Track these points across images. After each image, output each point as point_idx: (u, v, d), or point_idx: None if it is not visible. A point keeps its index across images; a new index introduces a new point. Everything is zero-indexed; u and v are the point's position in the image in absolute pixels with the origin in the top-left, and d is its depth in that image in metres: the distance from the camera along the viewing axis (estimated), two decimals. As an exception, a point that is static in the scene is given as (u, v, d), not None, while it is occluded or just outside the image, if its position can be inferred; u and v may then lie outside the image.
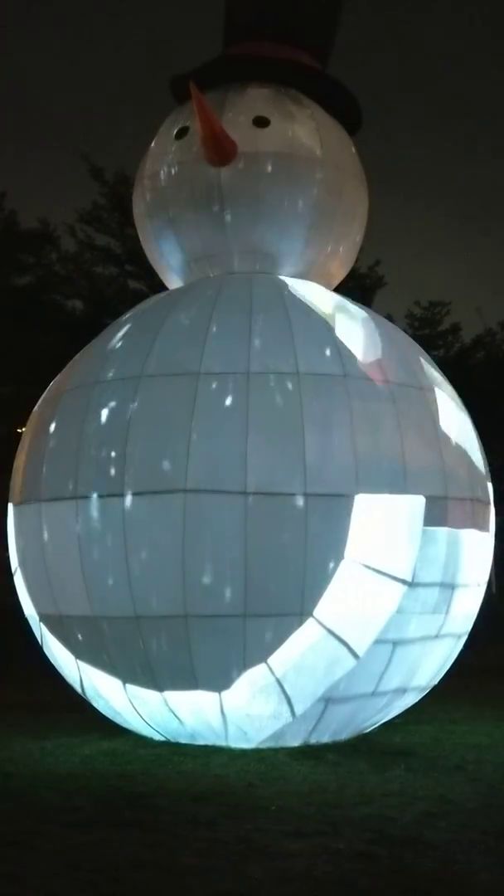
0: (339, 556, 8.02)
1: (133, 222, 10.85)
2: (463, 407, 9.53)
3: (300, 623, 7.97)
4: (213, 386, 8.29)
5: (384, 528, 8.17)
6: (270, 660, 8.00)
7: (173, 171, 9.67)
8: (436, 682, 9.49)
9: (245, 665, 8.00)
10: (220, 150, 9.19)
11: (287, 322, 8.73)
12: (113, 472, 8.26)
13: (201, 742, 8.50)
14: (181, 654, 8.08)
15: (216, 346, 8.53)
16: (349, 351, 8.69)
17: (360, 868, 5.18)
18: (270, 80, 9.87)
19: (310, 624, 7.98)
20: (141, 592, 8.10)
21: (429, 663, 8.92)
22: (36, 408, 9.78)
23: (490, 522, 9.55)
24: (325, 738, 8.58)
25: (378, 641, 8.22)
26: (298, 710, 8.21)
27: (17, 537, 9.40)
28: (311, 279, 9.74)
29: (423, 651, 8.67)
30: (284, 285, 9.31)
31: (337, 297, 9.68)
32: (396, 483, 8.28)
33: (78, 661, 8.86)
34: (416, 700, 9.40)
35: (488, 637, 13.48)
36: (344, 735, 8.76)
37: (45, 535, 8.75)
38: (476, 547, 9.08)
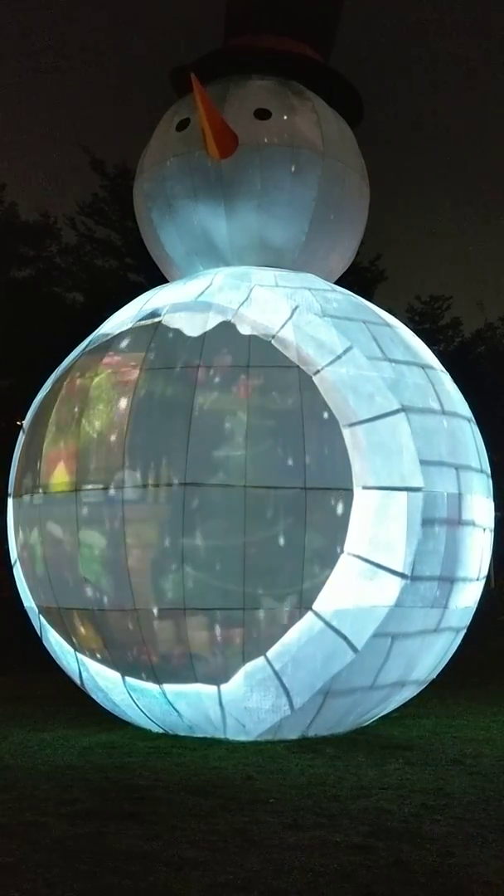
0: (338, 550, 8.02)
1: (134, 215, 10.84)
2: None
3: (299, 616, 7.97)
4: (213, 379, 8.28)
5: (383, 522, 8.17)
6: (269, 653, 8.01)
7: (174, 164, 9.64)
8: (434, 675, 9.50)
9: (244, 658, 8.01)
10: (221, 143, 9.17)
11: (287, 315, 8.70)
12: (112, 464, 8.26)
13: (200, 735, 8.52)
14: (180, 647, 8.09)
15: (216, 338, 8.52)
16: (349, 344, 8.68)
17: (358, 860, 5.20)
18: (272, 73, 9.85)
19: (309, 617, 7.99)
20: (140, 585, 8.10)
21: (427, 657, 8.93)
22: (35, 401, 9.78)
23: (490, 517, 9.56)
24: (324, 732, 8.59)
25: (377, 635, 8.23)
26: (297, 703, 8.22)
27: (17, 530, 9.40)
28: (311, 272, 9.73)
29: (421, 645, 8.68)
30: (284, 278, 9.29)
31: (340, 290, 9.67)
32: (398, 477, 8.28)
33: (77, 653, 8.88)
34: (415, 694, 9.42)
35: (487, 631, 13.50)
36: (342, 728, 8.77)
37: (45, 528, 8.75)
38: (475, 541, 9.08)
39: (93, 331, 9.82)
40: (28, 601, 9.47)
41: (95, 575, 8.33)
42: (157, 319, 8.94)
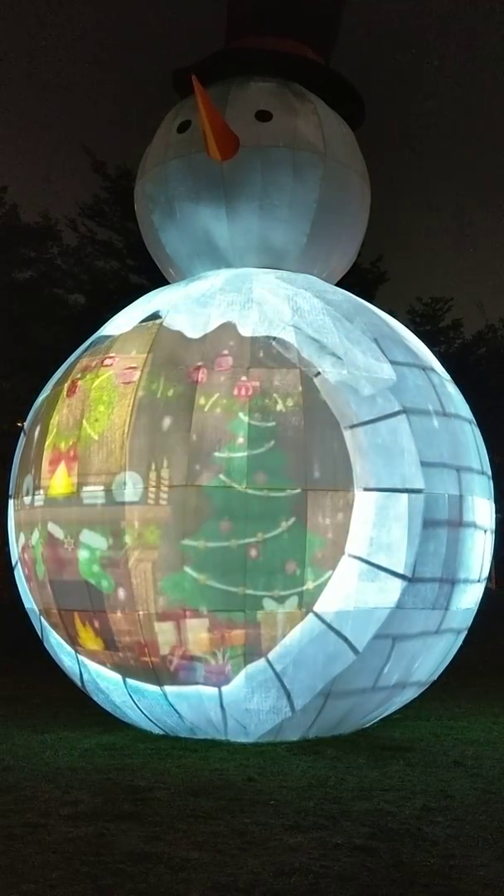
0: (339, 552, 8.02)
1: (135, 216, 10.85)
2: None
3: (300, 618, 7.98)
4: (214, 380, 8.28)
5: (384, 523, 8.18)
6: (270, 655, 8.01)
7: (175, 165, 9.66)
8: (435, 677, 9.51)
9: (245, 660, 8.01)
10: (223, 145, 9.18)
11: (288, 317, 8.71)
12: (113, 466, 8.27)
13: (201, 736, 8.52)
14: (180, 649, 8.09)
15: (217, 340, 8.53)
16: (350, 346, 8.69)
17: (359, 862, 5.20)
18: (273, 75, 9.86)
19: (310, 619, 7.99)
20: (140, 587, 8.10)
21: (428, 659, 8.93)
22: (36, 402, 9.79)
23: (491, 519, 9.56)
24: (325, 733, 8.59)
25: (378, 636, 8.23)
26: (298, 704, 8.22)
27: (18, 531, 9.41)
28: (312, 274, 9.74)
29: (422, 646, 8.68)
30: (286, 280, 9.30)
31: (341, 292, 9.68)
32: (399, 479, 8.28)
33: (78, 655, 8.88)
34: (416, 695, 9.42)
35: (488, 633, 13.49)
36: (343, 730, 8.77)
37: (45, 530, 8.75)
38: (476, 543, 9.08)
39: (94, 332, 9.83)
40: (29, 602, 9.47)
41: (96, 577, 8.33)
42: (158, 321, 8.95)
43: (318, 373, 8.36)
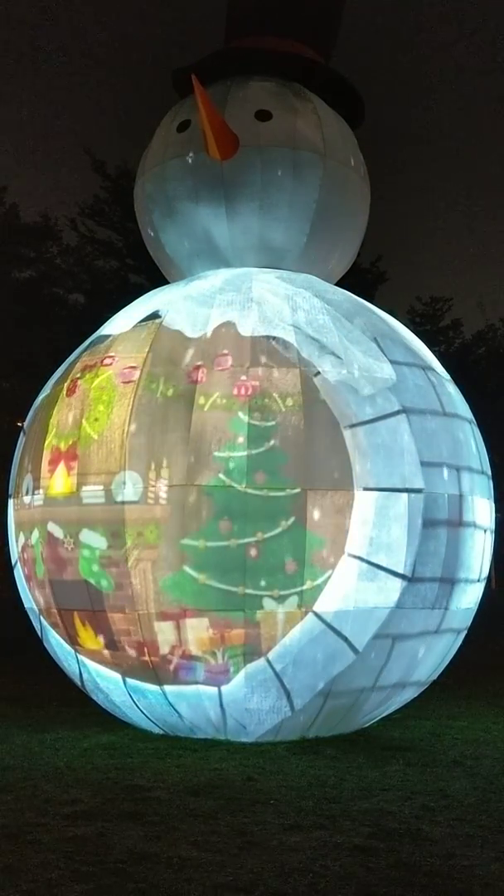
0: (338, 551, 8.02)
1: (134, 216, 10.85)
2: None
3: (300, 618, 7.98)
4: (214, 380, 8.28)
5: (384, 523, 8.18)
6: (270, 654, 8.01)
7: (175, 165, 9.65)
8: (435, 677, 9.51)
9: (244, 659, 8.01)
10: (222, 144, 9.18)
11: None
12: (113, 465, 8.27)
13: (200, 736, 8.52)
14: (180, 648, 8.08)
15: (217, 339, 8.52)
16: (350, 346, 8.68)
17: (359, 861, 5.20)
18: (273, 74, 9.86)
19: (309, 618, 7.99)
20: (140, 587, 8.11)
21: (428, 658, 8.93)
22: (36, 402, 9.79)
23: (490, 518, 9.56)
24: (324, 733, 8.59)
25: (378, 636, 8.23)
26: (297, 704, 8.22)
27: (17, 531, 9.41)
28: (312, 274, 9.73)
29: (422, 646, 8.68)
30: (285, 280, 9.30)
31: (341, 292, 9.68)
32: (398, 479, 8.28)
33: (78, 654, 8.88)
34: (416, 695, 9.41)
35: (488, 633, 13.50)
36: (343, 729, 8.77)
37: (45, 529, 8.75)
38: (476, 543, 9.08)
39: (94, 332, 9.82)
40: (29, 602, 9.47)
41: (96, 576, 8.33)
42: (158, 320, 8.95)
43: (318, 372, 8.36)
